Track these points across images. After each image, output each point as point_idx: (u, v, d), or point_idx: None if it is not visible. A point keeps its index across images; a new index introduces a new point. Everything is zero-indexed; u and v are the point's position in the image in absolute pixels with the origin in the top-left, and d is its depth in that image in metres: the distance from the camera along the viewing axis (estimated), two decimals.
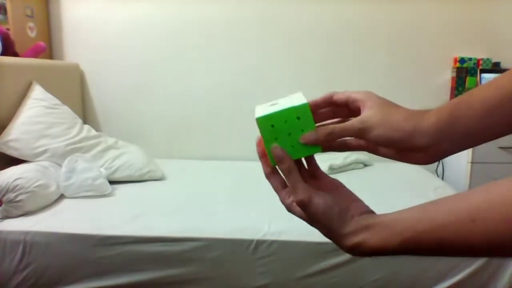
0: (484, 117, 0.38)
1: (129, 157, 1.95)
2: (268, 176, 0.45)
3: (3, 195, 1.44)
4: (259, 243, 1.33)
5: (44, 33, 2.33)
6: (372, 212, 0.41)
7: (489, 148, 2.01)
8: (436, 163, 2.37)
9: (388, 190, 1.73)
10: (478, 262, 1.31)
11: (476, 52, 2.33)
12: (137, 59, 2.41)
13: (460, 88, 2.32)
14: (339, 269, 1.33)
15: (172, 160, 2.31)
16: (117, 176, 1.85)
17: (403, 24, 2.35)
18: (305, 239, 1.34)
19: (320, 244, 1.33)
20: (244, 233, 1.35)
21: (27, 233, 1.35)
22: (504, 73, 0.38)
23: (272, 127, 0.44)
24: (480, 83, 2.22)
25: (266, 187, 1.82)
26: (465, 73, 2.30)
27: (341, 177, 1.78)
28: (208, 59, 2.40)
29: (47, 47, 2.29)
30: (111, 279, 1.34)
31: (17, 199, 1.43)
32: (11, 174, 1.50)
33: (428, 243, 0.34)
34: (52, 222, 1.41)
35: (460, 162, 2.13)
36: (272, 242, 1.33)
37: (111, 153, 1.93)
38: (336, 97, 0.44)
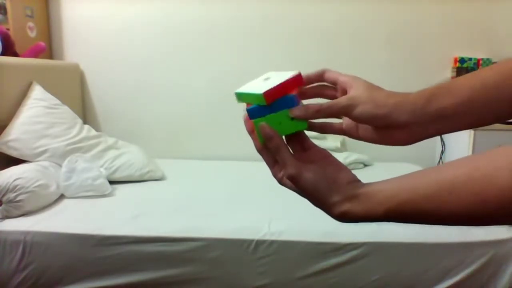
0: (461, 104, 0.40)
1: (129, 157, 1.95)
2: (259, 151, 0.46)
3: (3, 195, 1.44)
4: (259, 243, 1.33)
5: (44, 33, 2.33)
6: (358, 181, 0.43)
7: (489, 148, 1.99)
8: (436, 163, 2.37)
9: None
10: (478, 262, 1.31)
11: (476, 52, 2.33)
12: (137, 59, 2.40)
13: None
14: (339, 269, 1.33)
15: (172, 160, 2.31)
16: (117, 176, 1.85)
17: (403, 24, 2.35)
18: (305, 239, 1.34)
19: (320, 244, 1.33)
20: (244, 233, 1.35)
21: (27, 233, 1.35)
22: (490, 66, 0.40)
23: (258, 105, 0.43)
24: None
25: (266, 187, 1.82)
26: (465, 73, 2.28)
27: None
28: (208, 59, 2.40)
29: (47, 47, 2.29)
30: (111, 279, 1.34)
31: (17, 199, 1.43)
32: (11, 174, 1.50)
33: (409, 212, 0.37)
34: (52, 222, 1.41)
35: None
36: (272, 242, 1.33)
37: (111, 153, 1.93)
38: (327, 75, 0.46)
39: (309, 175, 0.42)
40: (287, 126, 0.43)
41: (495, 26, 2.33)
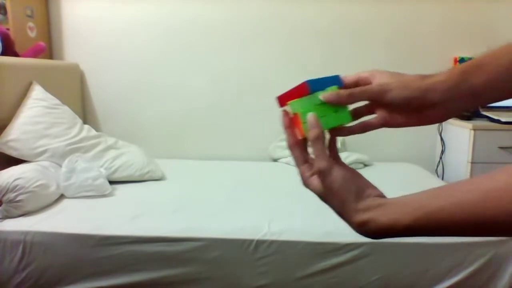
0: (492, 80, 0.41)
1: (129, 157, 1.95)
2: (291, 147, 0.46)
3: (3, 195, 1.44)
4: (259, 243, 1.33)
5: (44, 33, 2.33)
6: (385, 196, 0.42)
7: (489, 148, 2.01)
8: (436, 163, 2.37)
9: (388, 190, 1.71)
10: (478, 262, 1.31)
11: (476, 52, 2.31)
12: (137, 59, 2.40)
13: None
14: (339, 269, 1.33)
15: (172, 160, 2.31)
16: (117, 176, 1.85)
17: (403, 24, 2.35)
18: (305, 239, 1.34)
19: (320, 244, 1.33)
20: (244, 233, 1.35)
21: (27, 233, 1.35)
22: None
23: (300, 101, 0.45)
24: None
25: (266, 187, 1.83)
26: None
27: None
28: (208, 59, 2.40)
29: (47, 47, 2.29)
30: (111, 279, 1.34)
31: (17, 199, 1.43)
32: (11, 174, 1.50)
33: (439, 221, 0.35)
34: (52, 222, 1.41)
35: (460, 162, 2.13)
36: (272, 242, 1.33)
37: (111, 153, 1.93)
38: (347, 80, 0.47)
39: (339, 173, 0.41)
40: (331, 119, 0.45)
41: (495, 26, 2.33)
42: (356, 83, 0.47)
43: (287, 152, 2.31)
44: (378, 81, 0.45)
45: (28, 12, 2.17)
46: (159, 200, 1.66)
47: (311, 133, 0.43)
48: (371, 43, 2.36)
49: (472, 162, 2.02)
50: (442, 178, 2.29)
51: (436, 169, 2.36)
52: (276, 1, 2.33)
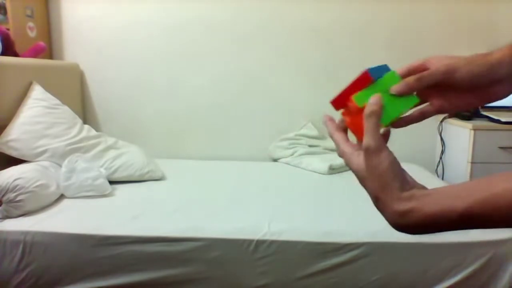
0: None
1: (129, 157, 1.95)
2: (333, 133, 0.45)
3: (3, 195, 1.44)
4: (259, 243, 1.33)
5: (44, 33, 2.33)
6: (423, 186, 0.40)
7: (489, 148, 2.01)
8: (436, 163, 2.37)
9: None
10: (478, 262, 1.31)
11: (476, 52, 2.31)
12: (137, 58, 2.41)
13: None
14: (339, 269, 1.33)
15: (172, 160, 2.31)
16: (117, 176, 1.85)
17: (403, 24, 2.35)
18: (305, 239, 1.34)
19: (320, 244, 1.33)
20: (244, 233, 1.35)
21: (27, 233, 1.35)
22: None
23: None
24: None
25: (266, 187, 1.83)
26: None
27: (342, 177, 1.79)
28: (208, 59, 2.40)
29: (47, 47, 2.29)
30: (111, 279, 1.34)
31: (17, 199, 1.43)
32: (11, 174, 1.50)
33: (494, 207, 0.33)
34: (52, 222, 1.41)
35: (460, 162, 2.13)
36: (272, 242, 1.33)
37: (111, 153, 1.93)
38: (399, 72, 0.47)
39: (388, 156, 0.39)
40: (400, 105, 0.44)
41: (495, 26, 2.33)
42: (408, 75, 0.46)
43: (287, 152, 2.33)
44: (437, 64, 0.44)
45: (28, 12, 2.17)
46: (159, 200, 1.66)
47: (368, 108, 0.40)
48: (371, 43, 2.36)
49: (472, 162, 2.02)
50: (442, 178, 2.29)
51: (436, 169, 2.36)
52: (276, 1, 2.33)
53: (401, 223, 0.37)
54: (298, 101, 2.42)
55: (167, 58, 2.40)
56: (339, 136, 0.45)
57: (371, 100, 0.41)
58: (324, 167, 2.07)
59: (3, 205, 1.44)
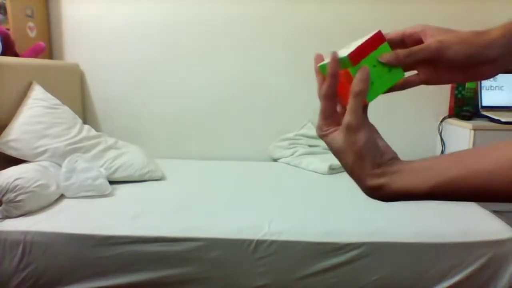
0: None
1: (129, 157, 1.95)
2: (326, 96, 0.43)
3: (3, 195, 1.44)
4: (259, 243, 1.33)
5: (44, 33, 2.33)
6: (398, 158, 0.43)
7: None
8: None
9: None
10: (478, 262, 1.31)
11: None
12: (137, 59, 2.40)
13: (460, 88, 2.32)
14: (339, 269, 1.33)
15: (172, 160, 2.31)
16: (117, 176, 1.85)
17: (403, 24, 2.32)
18: (305, 239, 1.34)
19: (320, 244, 1.33)
20: (244, 233, 1.35)
21: (27, 233, 1.35)
22: None
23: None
24: (480, 83, 2.22)
25: (266, 187, 1.82)
26: None
27: (342, 177, 1.79)
28: (209, 59, 2.40)
29: (47, 47, 2.29)
30: (111, 279, 1.34)
31: (17, 199, 1.43)
32: (11, 174, 1.50)
33: (462, 188, 0.36)
34: (52, 222, 1.41)
35: None
36: (272, 242, 1.33)
37: (111, 153, 1.93)
38: (389, 37, 0.47)
39: (367, 134, 0.41)
40: (386, 79, 0.44)
41: (495, 26, 2.33)
42: (402, 40, 0.47)
43: (287, 152, 2.33)
44: (431, 37, 0.44)
45: (28, 12, 2.17)
46: (159, 200, 1.66)
47: (357, 87, 0.41)
48: None
49: None
50: None
51: None
52: (276, 2, 2.33)
53: (373, 197, 0.41)
54: (298, 101, 2.42)
55: (167, 58, 2.40)
56: (329, 105, 0.44)
57: (360, 76, 0.41)
58: (324, 167, 2.07)
59: (3, 205, 1.44)
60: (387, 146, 0.44)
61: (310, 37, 2.37)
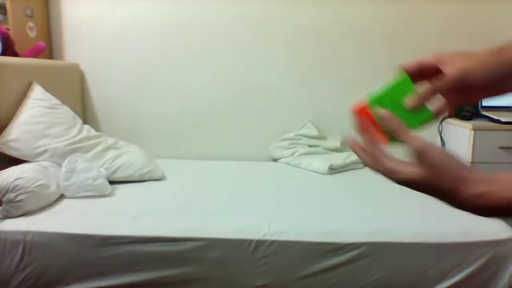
0: None
1: (129, 157, 1.95)
2: (370, 152, 0.45)
3: (3, 195, 1.44)
4: (259, 243, 1.33)
5: (44, 33, 2.33)
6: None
7: (489, 148, 2.01)
8: None
9: (388, 189, 1.73)
10: (478, 262, 1.31)
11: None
12: (137, 59, 2.40)
13: None
14: (339, 269, 1.33)
15: (172, 160, 2.31)
16: (117, 176, 1.85)
17: (403, 24, 2.35)
18: (305, 239, 1.34)
19: (320, 244, 1.33)
20: (244, 233, 1.35)
21: (27, 233, 1.35)
22: None
23: (381, 106, 0.46)
24: None
25: (266, 187, 1.82)
26: None
27: (341, 177, 1.79)
28: (209, 59, 2.40)
29: (47, 47, 2.29)
30: (111, 279, 1.34)
31: (17, 199, 1.43)
32: (11, 174, 1.50)
33: None
34: (52, 222, 1.41)
35: None
36: (272, 242, 1.33)
37: (111, 153, 1.93)
38: (408, 68, 0.48)
39: (436, 149, 0.40)
40: (414, 120, 0.45)
41: (495, 26, 2.33)
42: (419, 70, 0.47)
43: (287, 152, 2.33)
44: (450, 65, 0.44)
45: (28, 12, 2.17)
46: (159, 200, 1.66)
47: (392, 125, 0.42)
48: (371, 43, 2.36)
49: (472, 162, 2.02)
50: None
51: None
52: (276, 2, 2.33)
53: (475, 206, 0.37)
54: (298, 101, 2.42)
55: (167, 58, 2.40)
56: (379, 153, 0.44)
57: (383, 116, 0.43)
58: (324, 167, 2.07)
59: (3, 205, 1.44)
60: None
61: (310, 37, 2.37)
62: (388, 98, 0.46)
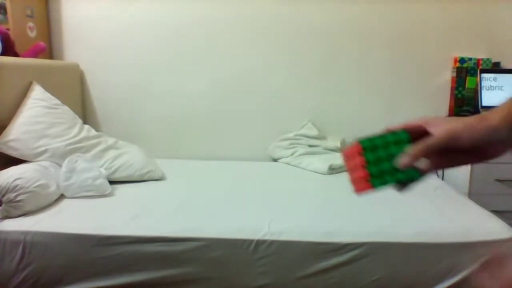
0: None
1: (129, 157, 1.95)
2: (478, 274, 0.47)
3: (3, 195, 1.44)
4: (259, 243, 1.33)
5: (44, 33, 2.33)
6: None
7: None
8: None
9: (388, 190, 1.73)
10: (478, 262, 1.31)
11: (476, 52, 2.33)
12: (137, 59, 2.41)
13: (460, 88, 2.32)
14: (339, 269, 1.33)
15: (172, 160, 2.31)
16: (117, 176, 1.85)
17: (404, 24, 2.35)
18: (305, 239, 1.34)
19: (320, 244, 1.33)
20: (244, 233, 1.35)
21: (27, 233, 1.35)
22: None
23: (373, 151, 0.47)
24: (480, 83, 2.22)
25: (266, 187, 1.82)
26: (465, 73, 2.30)
27: (342, 177, 1.79)
28: (208, 59, 2.40)
29: (47, 47, 2.29)
30: (111, 279, 1.34)
31: (17, 199, 1.43)
32: (11, 174, 1.50)
33: None
34: (52, 222, 1.41)
35: None
36: (272, 242, 1.33)
37: (111, 153, 1.93)
38: (393, 129, 0.49)
39: None
40: (402, 175, 0.47)
41: (495, 26, 2.33)
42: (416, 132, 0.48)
43: (287, 152, 2.33)
44: (436, 127, 0.46)
45: (28, 12, 2.17)
46: (159, 200, 1.66)
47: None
48: (371, 43, 2.36)
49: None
50: (442, 178, 2.29)
51: None
52: (277, 3, 2.33)
53: None
54: (298, 101, 2.42)
55: (167, 58, 2.40)
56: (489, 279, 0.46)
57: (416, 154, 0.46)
58: (324, 167, 2.07)
59: (3, 205, 1.44)
60: None
61: (310, 37, 2.37)
62: (382, 146, 0.47)
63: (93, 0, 2.36)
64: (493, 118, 0.44)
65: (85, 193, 1.65)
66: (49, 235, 1.35)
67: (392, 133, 0.47)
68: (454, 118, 0.46)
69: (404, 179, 0.47)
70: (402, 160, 0.46)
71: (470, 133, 0.44)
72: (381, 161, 0.47)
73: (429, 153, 0.46)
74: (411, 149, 0.45)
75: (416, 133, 0.47)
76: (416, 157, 0.45)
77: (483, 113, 0.45)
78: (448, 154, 0.47)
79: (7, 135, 1.69)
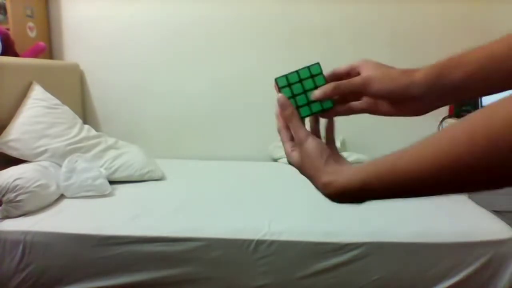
0: (469, 76, 0.42)
1: (129, 157, 1.95)
2: (280, 129, 0.49)
3: (3, 195, 1.44)
4: (259, 243, 1.33)
5: (44, 33, 2.33)
6: (344, 160, 0.47)
7: None
8: None
9: None
10: (478, 262, 1.31)
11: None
12: (137, 59, 2.40)
13: None
14: (339, 269, 1.33)
15: (172, 160, 2.31)
16: (117, 176, 1.85)
17: (404, 24, 2.35)
18: (305, 239, 1.34)
19: (320, 244, 1.33)
20: (244, 233, 1.35)
21: (27, 233, 1.35)
22: (499, 38, 0.45)
23: (290, 87, 0.50)
24: None
25: (266, 187, 1.83)
26: None
27: None
28: (208, 59, 2.40)
29: (47, 47, 2.29)
30: (111, 279, 1.34)
31: (17, 199, 1.43)
32: (11, 174, 1.50)
33: (392, 179, 0.36)
34: (52, 222, 1.41)
35: None
36: (272, 242, 1.33)
37: (111, 153, 1.93)
38: (337, 71, 0.51)
39: (314, 141, 0.45)
40: (315, 105, 0.49)
41: (495, 26, 2.33)
42: (348, 73, 0.50)
43: None
44: (364, 72, 0.48)
45: (28, 12, 2.17)
46: (159, 200, 1.66)
47: (285, 113, 0.47)
48: (372, 43, 2.36)
49: None
50: None
51: None
52: (277, 3, 2.33)
53: (326, 193, 0.43)
54: None
55: (167, 58, 2.40)
56: (285, 133, 0.49)
57: (282, 105, 0.47)
58: None
59: (3, 205, 1.44)
60: (344, 158, 0.47)
61: (310, 37, 2.36)
62: (297, 81, 0.50)
63: (93, 0, 2.35)
64: (417, 74, 0.45)
65: (85, 193, 1.65)
66: (49, 235, 1.35)
67: (306, 67, 0.50)
68: (383, 66, 0.48)
69: (319, 110, 0.49)
70: (316, 94, 0.48)
71: (386, 83, 0.45)
72: (297, 96, 0.49)
73: (341, 94, 0.48)
74: (324, 87, 0.47)
75: (354, 74, 0.49)
76: (326, 96, 0.47)
77: (417, 67, 0.46)
78: (376, 100, 0.48)
79: (7, 135, 1.69)
